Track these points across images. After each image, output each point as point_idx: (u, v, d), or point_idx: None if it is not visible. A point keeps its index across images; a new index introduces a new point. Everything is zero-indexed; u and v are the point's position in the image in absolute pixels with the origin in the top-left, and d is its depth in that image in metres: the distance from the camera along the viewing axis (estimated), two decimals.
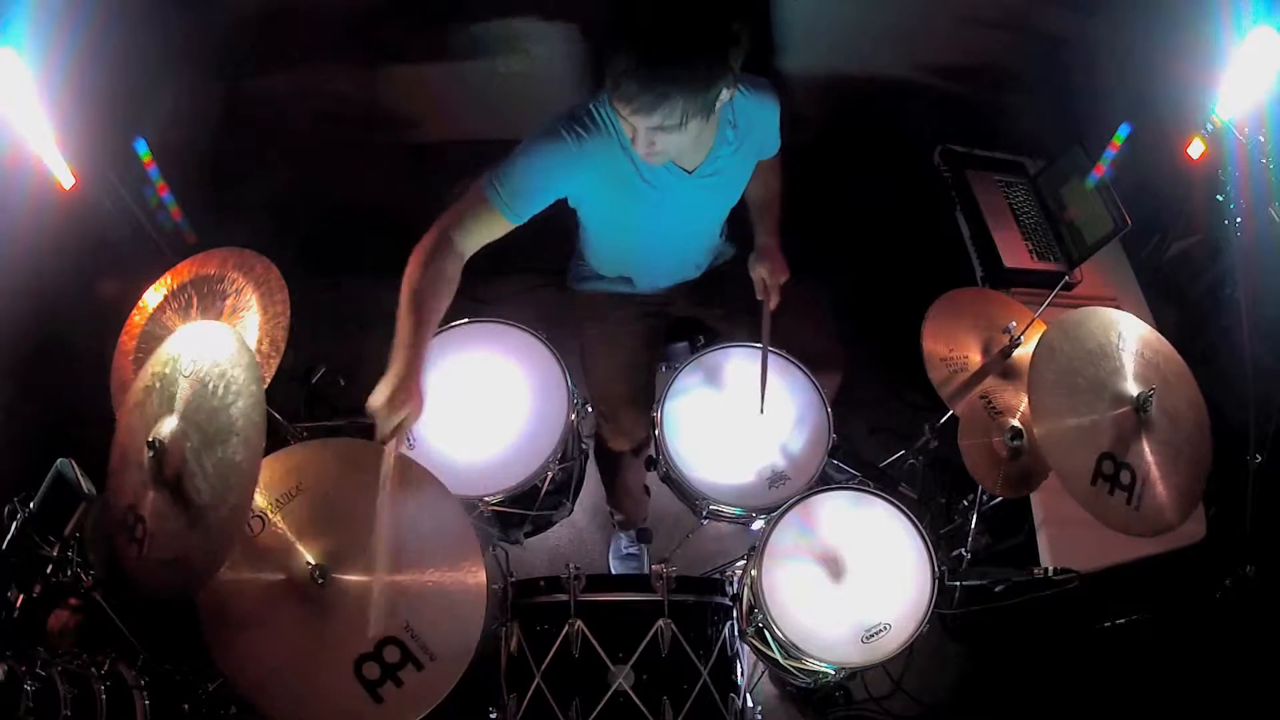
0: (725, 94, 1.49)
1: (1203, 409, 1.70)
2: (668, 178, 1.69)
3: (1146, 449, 1.62)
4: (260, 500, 1.45)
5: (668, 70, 1.39)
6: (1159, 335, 1.75)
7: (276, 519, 1.45)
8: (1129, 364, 1.67)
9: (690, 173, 1.71)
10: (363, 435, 1.54)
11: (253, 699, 1.35)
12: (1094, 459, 1.58)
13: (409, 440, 1.75)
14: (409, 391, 1.41)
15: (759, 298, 1.89)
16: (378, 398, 1.40)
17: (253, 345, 1.71)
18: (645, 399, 1.96)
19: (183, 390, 1.41)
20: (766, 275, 1.87)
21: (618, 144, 1.62)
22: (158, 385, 1.44)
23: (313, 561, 1.41)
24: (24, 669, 1.22)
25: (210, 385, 1.36)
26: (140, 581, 1.35)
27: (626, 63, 1.39)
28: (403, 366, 1.41)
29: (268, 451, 1.50)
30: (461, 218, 1.57)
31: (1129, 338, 1.70)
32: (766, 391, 1.86)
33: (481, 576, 1.47)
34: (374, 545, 1.40)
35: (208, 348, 1.40)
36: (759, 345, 1.89)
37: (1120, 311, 1.74)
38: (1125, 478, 1.58)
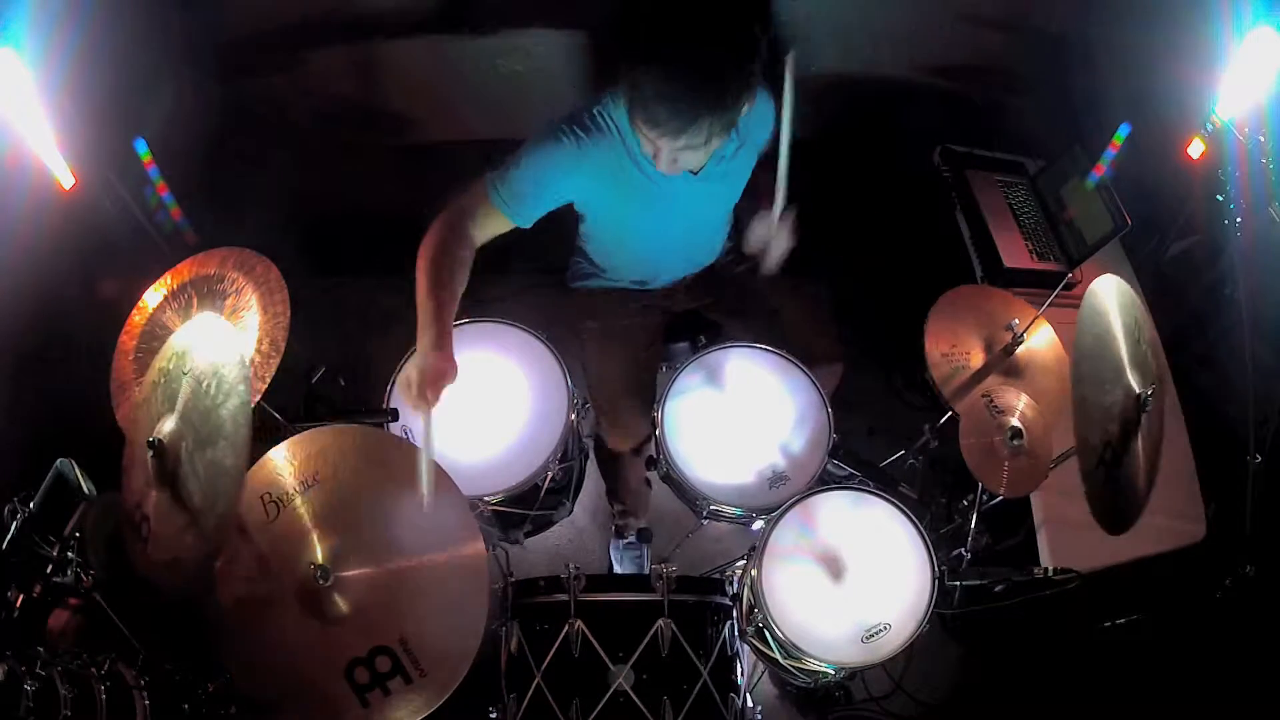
0: (746, 107, 1.49)
1: (1179, 415, 1.68)
2: (673, 178, 1.69)
3: (1138, 445, 1.60)
4: (284, 484, 1.47)
5: (697, 94, 1.38)
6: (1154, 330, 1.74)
7: (295, 504, 1.47)
8: (1132, 355, 1.64)
9: (695, 173, 1.71)
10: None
11: (245, 683, 1.37)
12: (1102, 443, 1.55)
13: (407, 434, 1.75)
14: (441, 359, 1.42)
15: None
16: (411, 371, 1.42)
17: (253, 345, 1.71)
18: (646, 397, 1.96)
19: (185, 388, 1.40)
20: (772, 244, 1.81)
21: (620, 146, 1.62)
22: (162, 381, 1.44)
23: (317, 561, 1.41)
24: (24, 669, 1.21)
25: (205, 383, 1.36)
26: (149, 580, 1.35)
27: (653, 87, 1.38)
28: (432, 339, 1.43)
29: (267, 449, 1.50)
30: (469, 212, 1.59)
31: (1139, 326, 1.65)
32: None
33: (484, 600, 1.46)
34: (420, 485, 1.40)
35: (206, 343, 1.40)
36: (762, 347, 1.90)
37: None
38: (1116, 471, 1.57)
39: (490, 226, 1.62)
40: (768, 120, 1.81)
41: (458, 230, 1.56)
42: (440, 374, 1.41)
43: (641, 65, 1.39)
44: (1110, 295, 1.62)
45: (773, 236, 1.79)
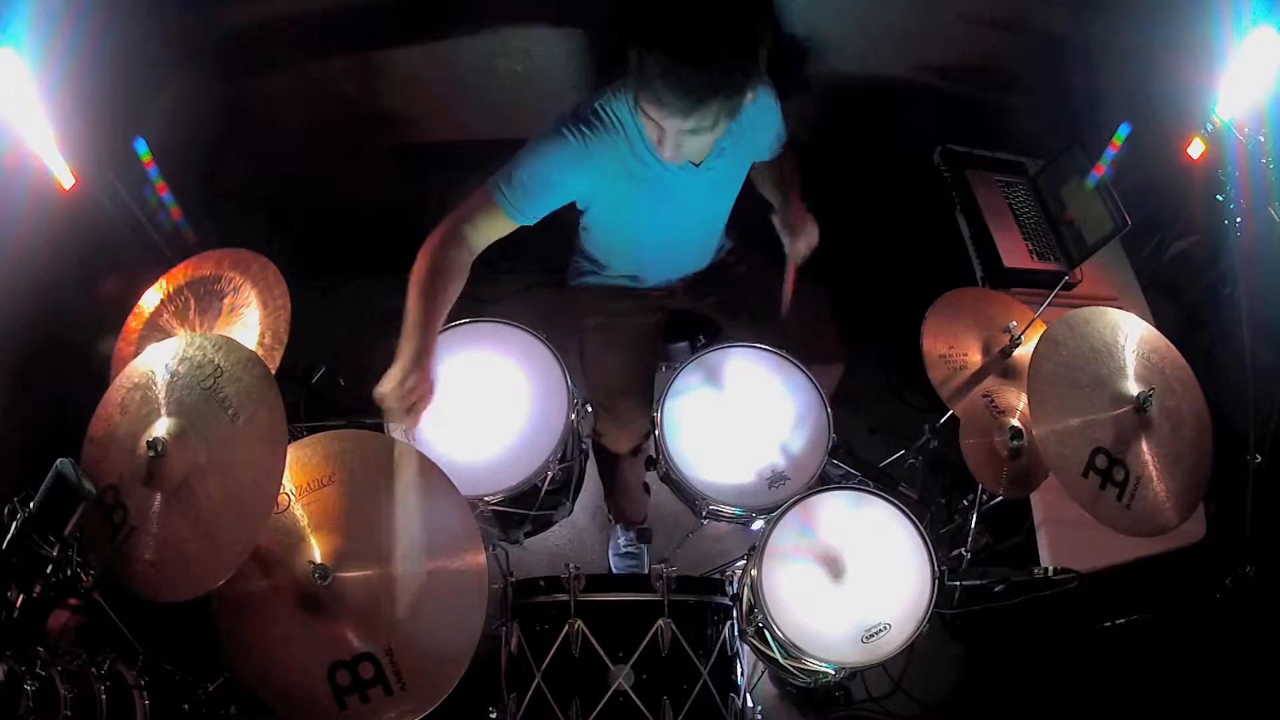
0: (751, 94, 1.48)
1: (1205, 417, 1.70)
2: (677, 171, 1.69)
3: (1145, 450, 1.62)
4: (290, 481, 1.47)
5: (706, 74, 1.38)
6: (1166, 341, 1.75)
7: (300, 505, 1.46)
8: (1133, 365, 1.68)
9: (698, 166, 1.71)
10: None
11: (238, 669, 1.38)
12: (1087, 452, 1.58)
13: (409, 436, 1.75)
14: (419, 378, 1.43)
15: (789, 256, 1.90)
16: (387, 385, 1.43)
17: (254, 340, 1.71)
18: (645, 396, 1.96)
19: (194, 397, 1.41)
20: (803, 243, 1.87)
21: (624, 141, 1.62)
22: (168, 379, 1.44)
23: (317, 560, 1.41)
24: (24, 669, 1.22)
25: (231, 412, 1.37)
26: (113, 567, 1.36)
27: (662, 66, 1.37)
28: (412, 354, 1.45)
29: None
30: (471, 216, 1.60)
31: (1134, 339, 1.70)
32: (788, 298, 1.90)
33: (477, 625, 1.45)
34: (389, 540, 1.41)
35: (236, 369, 1.41)
36: (761, 347, 1.91)
37: (1127, 314, 1.74)
38: (1119, 474, 1.59)
39: (491, 230, 1.62)
40: (771, 125, 1.81)
41: (455, 237, 1.57)
42: (413, 388, 1.43)
43: (649, 47, 1.38)
44: (1076, 326, 1.69)
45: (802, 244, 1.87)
